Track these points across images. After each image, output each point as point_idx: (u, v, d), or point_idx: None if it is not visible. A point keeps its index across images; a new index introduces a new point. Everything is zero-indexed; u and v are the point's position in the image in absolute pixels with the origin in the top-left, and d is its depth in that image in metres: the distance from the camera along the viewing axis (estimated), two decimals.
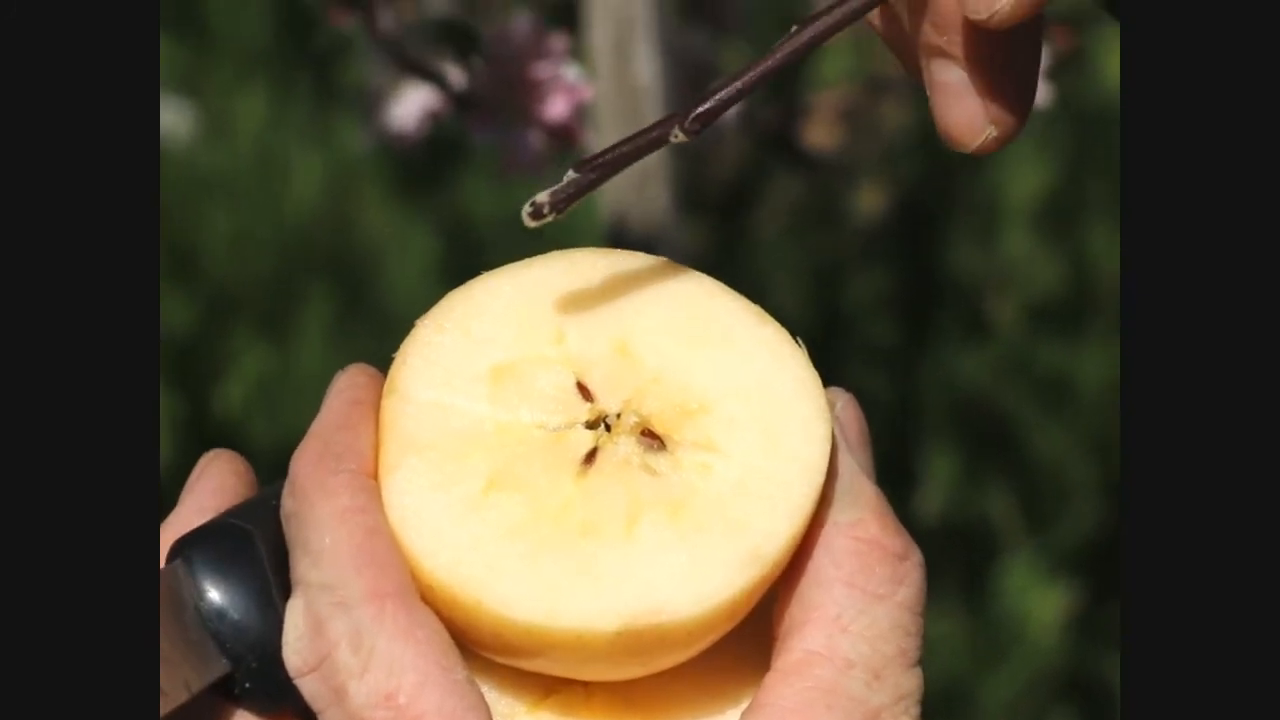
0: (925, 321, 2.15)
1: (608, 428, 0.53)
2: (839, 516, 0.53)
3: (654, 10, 1.22)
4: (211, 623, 0.53)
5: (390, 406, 0.53)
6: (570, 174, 0.52)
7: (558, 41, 1.04)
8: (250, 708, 0.53)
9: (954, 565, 1.99)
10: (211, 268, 2.20)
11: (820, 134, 1.80)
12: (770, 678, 0.52)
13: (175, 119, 2.42)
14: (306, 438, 0.53)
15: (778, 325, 0.54)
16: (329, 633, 0.50)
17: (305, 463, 0.52)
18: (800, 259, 2.21)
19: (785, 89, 1.93)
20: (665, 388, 0.53)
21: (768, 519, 0.52)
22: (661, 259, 0.55)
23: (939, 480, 2.04)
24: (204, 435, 2.00)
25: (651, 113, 1.23)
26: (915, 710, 0.52)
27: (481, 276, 0.55)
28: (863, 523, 0.53)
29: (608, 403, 0.53)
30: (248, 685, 0.53)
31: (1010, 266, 2.17)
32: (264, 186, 2.28)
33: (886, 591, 0.52)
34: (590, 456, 0.52)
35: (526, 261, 0.55)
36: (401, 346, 0.54)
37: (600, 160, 0.52)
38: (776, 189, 2.21)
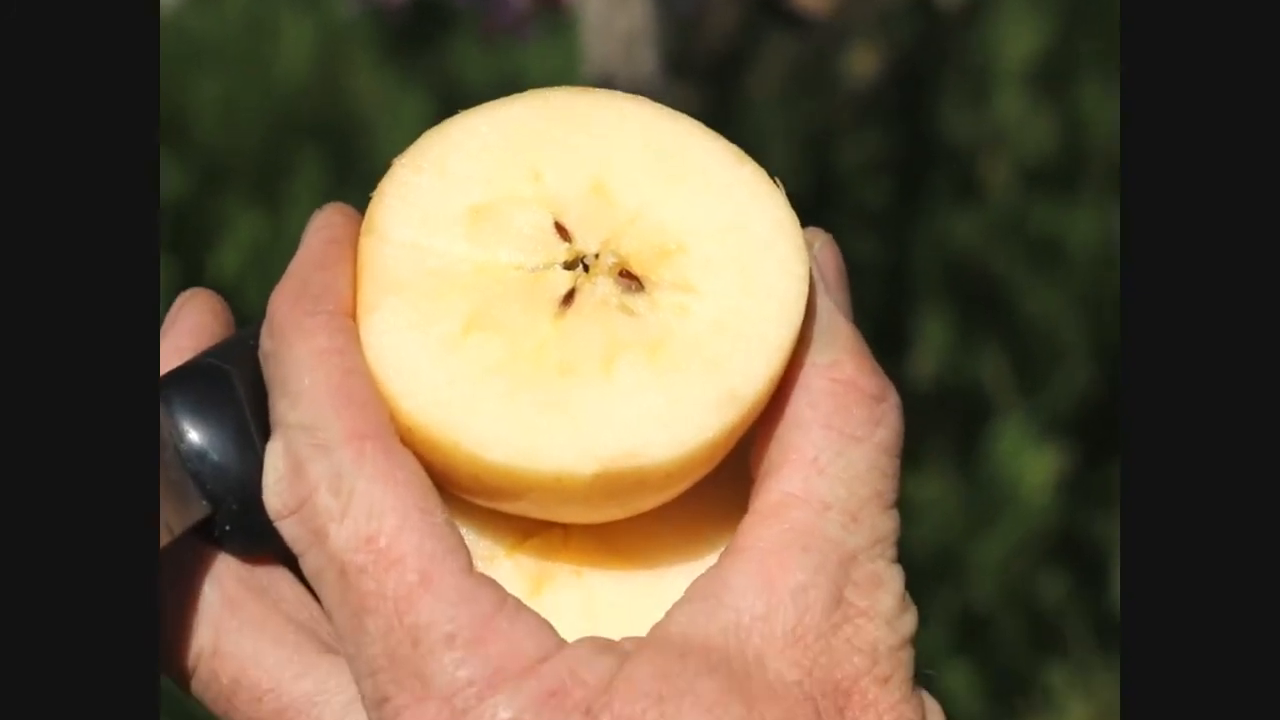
0: (918, 184, 2.14)
1: (585, 268, 0.53)
2: (816, 357, 0.53)
3: None
4: (191, 463, 0.52)
5: (368, 246, 0.53)
6: None
7: None
8: (231, 550, 0.53)
9: (946, 428, 1.99)
10: (203, 134, 2.20)
11: None
12: (747, 520, 0.52)
13: None
14: (284, 276, 0.53)
15: (756, 165, 0.54)
16: (309, 475, 0.50)
17: (283, 302, 0.52)
18: (792, 122, 2.20)
19: None
20: (643, 228, 0.53)
21: (745, 359, 0.52)
22: (640, 98, 0.55)
23: (931, 343, 2.05)
24: None
25: None
26: (891, 552, 0.52)
27: (458, 115, 0.54)
28: (839, 364, 0.52)
29: (585, 243, 0.53)
30: (228, 528, 0.53)
31: (1003, 128, 2.16)
32: (253, 53, 2.27)
33: (863, 433, 0.52)
34: (568, 297, 0.52)
35: (503, 100, 0.54)
36: (379, 186, 0.54)
37: None
38: (769, 52, 2.21)
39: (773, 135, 2.18)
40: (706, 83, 2.21)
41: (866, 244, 2.11)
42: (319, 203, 0.55)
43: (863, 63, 2.17)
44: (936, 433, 1.99)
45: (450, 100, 2.14)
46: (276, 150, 2.15)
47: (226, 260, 2.05)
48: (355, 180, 1.98)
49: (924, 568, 1.89)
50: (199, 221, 2.11)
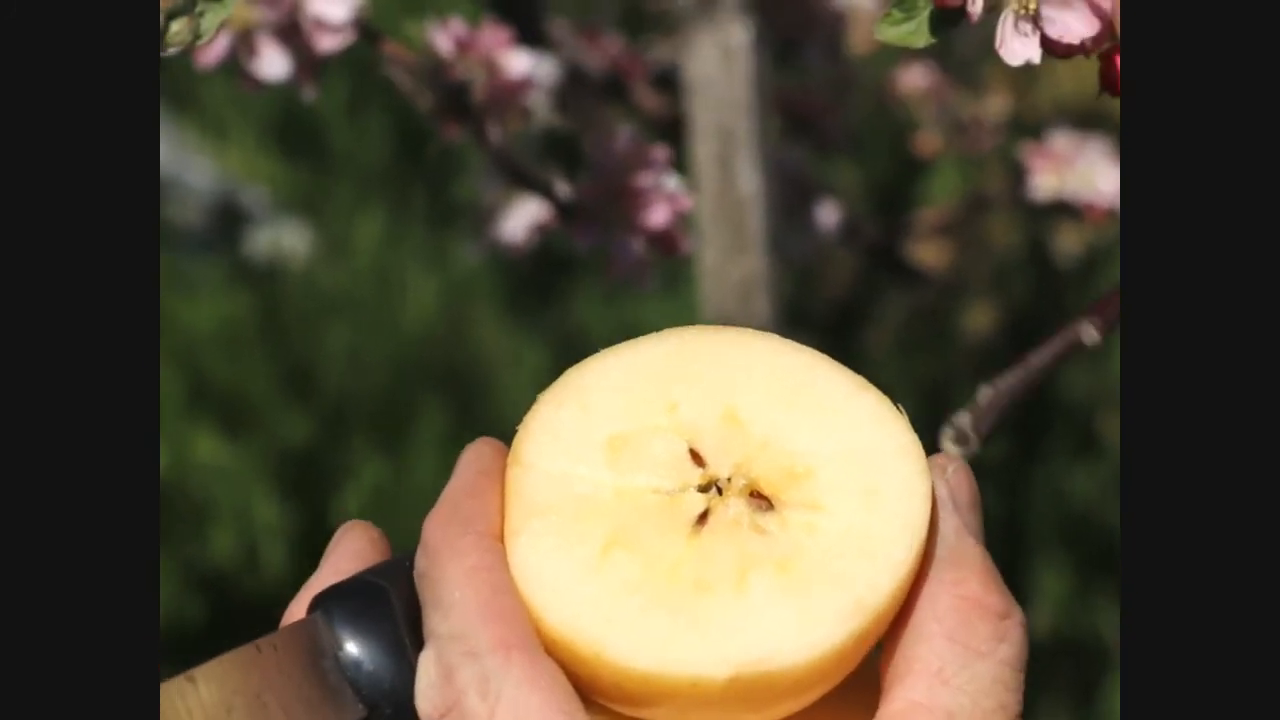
0: (1036, 438, 2.15)
1: (719, 491, 0.55)
2: (942, 574, 0.54)
3: (755, 125, 1.26)
4: (349, 671, 0.55)
5: (515, 475, 0.56)
6: (983, 391, 0.57)
7: (659, 152, 1.07)
8: None
9: (1063, 682, 1.99)
10: (329, 383, 2.25)
11: (929, 251, 1.83)
12: None
13: (295, 239, 2.47)
14: (438, 503, 0.56)
15: (879, 393, 0.57)
16: (458, 680, 0.53)
17: (436, 525, 0.55)
18: (910, 376, 2.22)
19: (892, 206, 1.96)
20: (772, 453, 0.56)
21: (870, 573, 0.54)
22: (768, 334, 0.58)
23: (1048, 596, 2.04)
24: (320, 548, 2.04)
25: (753, 224, 1.26)
26: None
27: (597, 354, 0.58)
28: (965, 581, 0.54)
29: (719, 467, 0.56)
30: None
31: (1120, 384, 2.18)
32: (381, 303, 2.32)
33: (988, 649, 0.54)
34: (703, 518, 0.55)
35: (638, 340, 0.58)
36: (524, 420, 0.57)
37: (1012, 377, 0.56)
38: (886, 305, 2.24)
39: (890, 388, 2.21)
40: (823, 334, 2.24)
41: (984, 496, 2.12)
42: (441, 449, 0.58)
43: (979, 318, 2.20)
44: (1053, 686, 1.98)
45: (570, 349, 2.19)
46: (400, 398, 2.20)
47: (349, 505, 2.09)
48: (477, 426, 2.01)
49: None
50: (323, 467, 2.16)
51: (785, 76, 1.45)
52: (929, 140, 1.59)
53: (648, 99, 1.39)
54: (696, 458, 0.56)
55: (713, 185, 1.26)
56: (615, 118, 1.42)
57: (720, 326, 0.58)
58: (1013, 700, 0.54)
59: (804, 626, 0.53)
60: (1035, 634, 2.03)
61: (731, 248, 1.26)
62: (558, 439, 0.56)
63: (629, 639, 0.53)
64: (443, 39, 1.08)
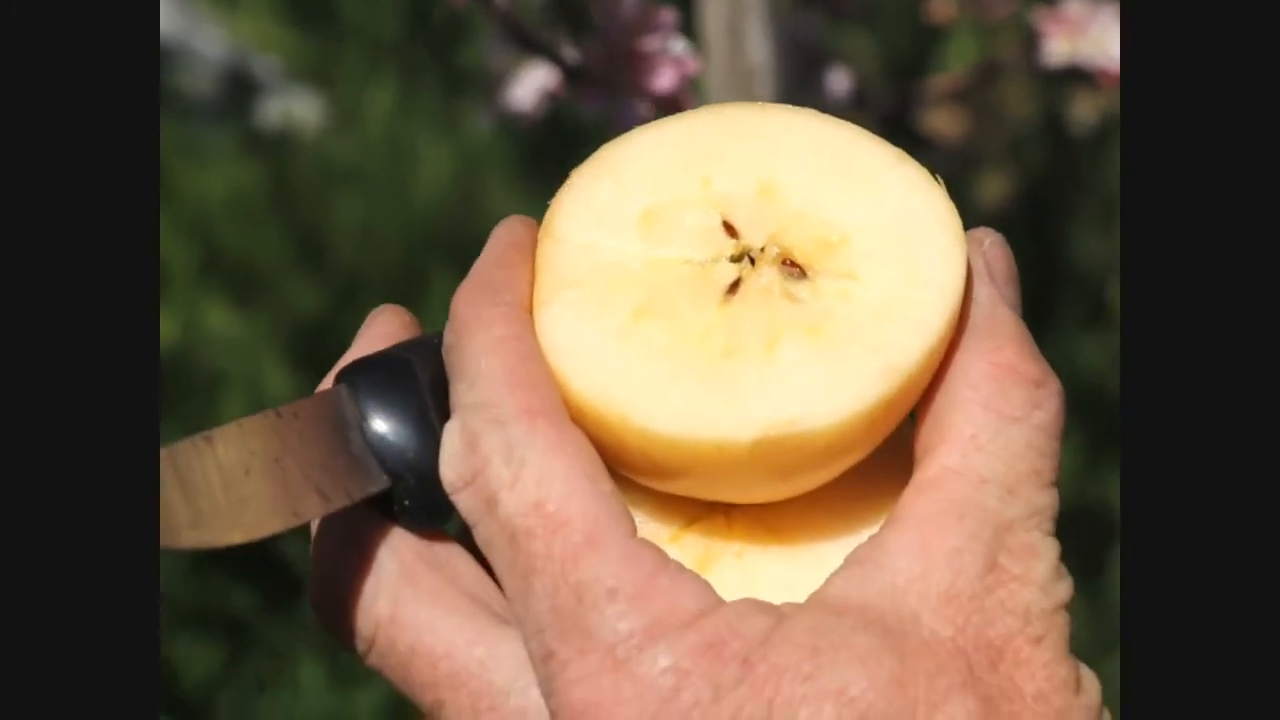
0: (1047, 308, 2.15)
1: (752, 261, 0.55)
2: (978, 342, 0.54)
3: None
4: (373, 442, 0.56)
5: (545, 248, 0.56)
6: None
7: (666, 15, 1.07)
8: (409, 525, 0.56)
9: (1070, 553, 2.00)
10: (340, 253, 2.25)
11: (943, 120, 1.82)
12: (906, 493, 0.54)
13: (306, 109, 2.47)
14: (466, 278, 0.56)
15: (917, 164, 0.56)
16: (483, 447, 0.53)
17: (464, 297, 0.55)
18: None
19: (906, 74, 1.95)
20: (807, 223, 0.55)
21: (903, 337, 0.54)
22: (804, 109, 0.58)
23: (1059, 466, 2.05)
24: None
25: (763, 93, 1.26)
26: (1048, 526, 0.54)
27: (633, 130, 0.58)
28: (1000, 349, 0.54)
29: (752, 238, 0.56)
30: (406, 503, 0.56)
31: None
32: (392, 173, 2.32)
33: (1022, 414, 0.53)
34: (734, 286, 0.55)
35: (675, 116, 0.58)
36: (557, 195, 0.57)
37: None
38: None
39: None
40: None
41: None
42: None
43: (993, 187, 2.19)
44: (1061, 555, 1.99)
45: None
46: (412, 267, 2.20)
47: None
48: None
49: None
50: (334, 337, 2.16)
51: None
52: (942, 8, 1.58)
53: None
54: (730, 230, 0.56)
55: (722, 51, 1.25)
56: None
57: (761, 103, 0.58)
58: (1047, 466, 0.54)
59: (833, 388, 0.53)
60: None
61: None
62: (590, 212, 0.56)
63: (655, 404, 0.53)
64: None
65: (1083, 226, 2.22)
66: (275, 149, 2.42)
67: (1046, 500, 0.54)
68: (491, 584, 0.55)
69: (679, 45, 1.06)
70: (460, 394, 0.54)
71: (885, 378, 0.53)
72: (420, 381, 0.56)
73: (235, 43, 2.53)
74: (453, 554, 0.56)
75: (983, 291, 0.55)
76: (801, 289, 0.55)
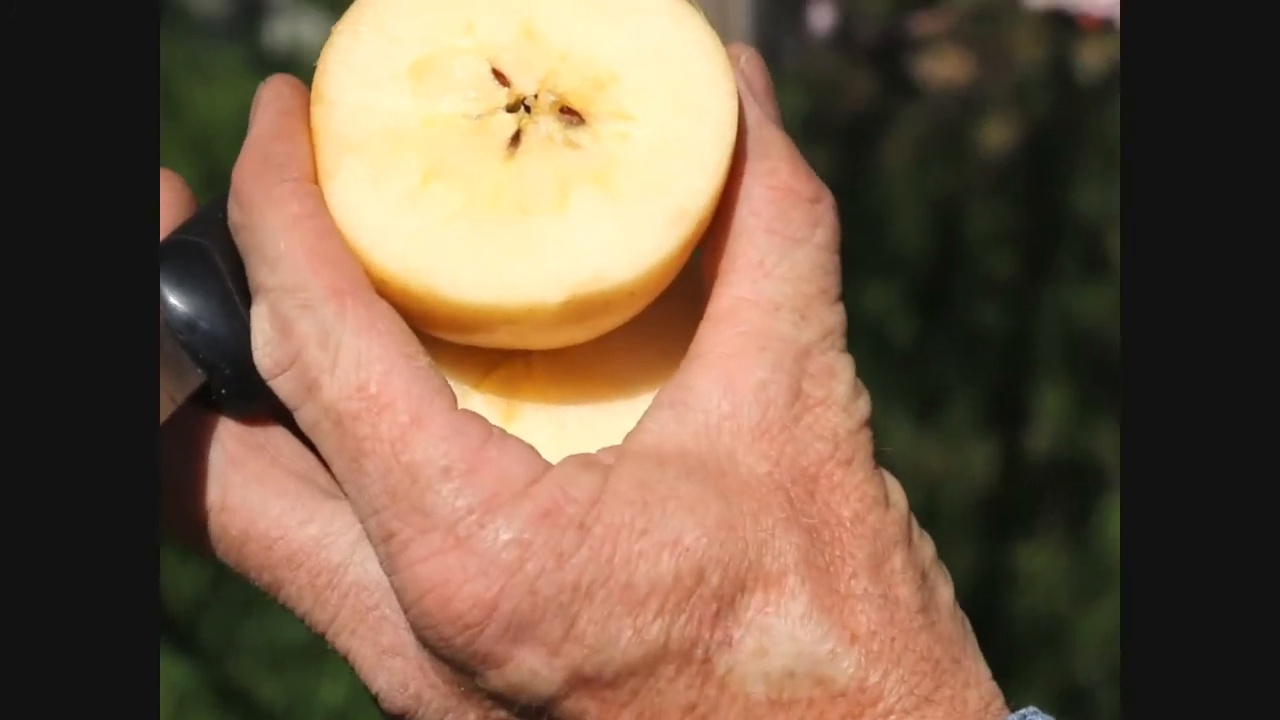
0: (1046, 257, 2.16)
1: (527, 109, 0.55)
2: (754, 166, 0.55)
3: None
4: (182, 334, 0.55)
5: (319, 113, 0.55)
6: None
7: None
8: (229, 413, 0.56)
9: (1059, 500, 2.01)
10: None
11: (944, 64, 1.82)
12: (703, 327, 0.54)
13: (314, 31, 2.47)
14: (244, 150, 0.55)
15: (699, 16, 0.56)
16: (296, 333, 0.53)
17: (247, 174, 0.54)
18: (923, 190, 2.23)
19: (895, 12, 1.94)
20: (575, 64, 0.56)
21: (688, 177, 0.54)
22: None
23: (1050, 416, 2.06)
24: None
25: (740, 20, 1.27)
26: (841, 343, 0.55)
27: None
28: (775, 170, 0.55)
29: (523, 85, 0.55)
30: (224, 391, 0.55)
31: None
32: None
33: (804, 235, 0.54)
34: (515, 139, 0.55)
35: None
36: (321, 54, 0.56)
37: None
38: (904, 119, 2.23)
39: (903, 201, 2.21)
40: (840, 146, 2.25)
41: (991, 314, 2.13)
42: None
43: (996, 134, 2.19)
44: (1049, 505, 2.01)
45: None
46: None
47: None
48: None
49: (1029, 637, 1.90)
50: None
51: None
52: None
53: None
54: (500, 77, 0.56)
55: None
56: None
57: None
58: (832, 284, 0.55)
59: (631, 240, 0.54)
60: (1034, 453, 2.05)
61: None
62: (358, 70, 0.55)
63: (460, 271, 0.53)
64: None
65: (1086, 177, 2.23)
66: (282, 70, 2.43)
67: (836, 318, 0.55)
68: (315, 460, 0.56)
69: None
70: (263, 277, 0.54)
71: (679, 222, 0.54)
72: (219, 265, 0.55)
73: None
74: (275, 435, 0.56)
75: (750, 113, 0.56)
76: (582, 135, 0.55)
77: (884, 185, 2.23)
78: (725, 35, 1.22)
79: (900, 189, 2.23)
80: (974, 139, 2.19)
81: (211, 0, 2.48)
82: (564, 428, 0.56)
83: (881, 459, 0.55)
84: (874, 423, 0.55)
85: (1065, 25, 1.38)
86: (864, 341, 2.07)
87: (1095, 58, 2.08)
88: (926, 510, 1.98)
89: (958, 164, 2.25)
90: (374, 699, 0.54)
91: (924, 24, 1.55)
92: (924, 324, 2.14)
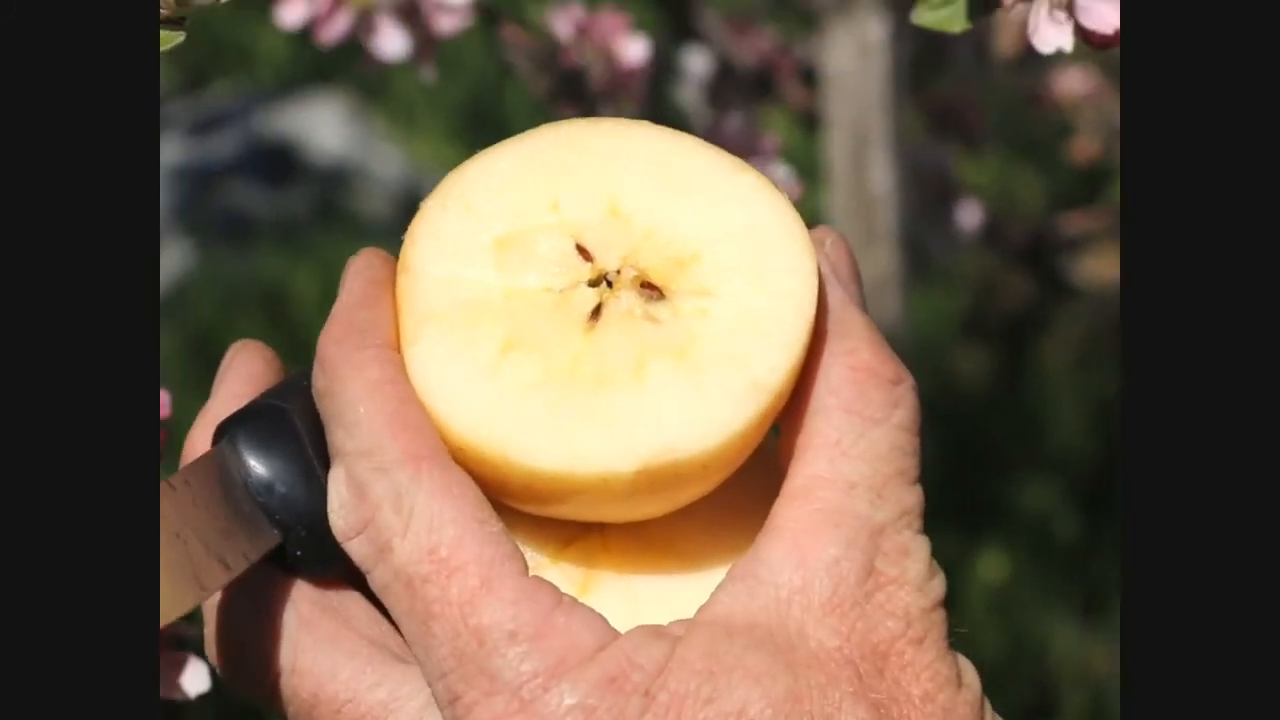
0: None
1: (609, 284, 0.56)
2: (833, 346, 0.56)
3: (891, 123, 1.27)
4: (260, 496, 0.57)
5: (405, 284, 0.57)
6: None
7: (769, 140, 1.09)
8: (303, 575, 0.57)
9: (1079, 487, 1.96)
10: None
11: (1103, 264, 1.82)
12: (779, 503, 0.55)
13: None
14: (330, 319, 0.57)
15: (757, 173, 0.57)
16: (371, 496, 0.54)
17: (332, 341, 0.56)
18: (1085, 390, 2.22)
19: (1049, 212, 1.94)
20: (658, 241, 0.57)
21: (765, 352, 0.55)
22: (643, 122, 0.59)
23: None
24: None
25: (886, 222, 1.28)
26: (917, 524, 0.55)
27: (478, 154, 0.59)
28: (856, 351, 0.56)
29: (606, 261, 0.57)
30: (299, 553, 0.57)
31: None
32: None
33: (883, 415, 0.55)
34: (596, 312, 0.56)
35: (519, 136, 0.59)
36: (410, 227, 0.58)
37: None
38: (1063, 319, 2.23)
39: (1063, 401, 2.20)
40: (998, 346, 2.25)
41: None
42: None
43: None
44: None
45: None
46: None
47: None
48: None
49: None
50: None
51: (933, 78, 1.46)
52: (1086, 146, 1.58)
53: (795, 94, 1.41)
54: (584, 253, 0.57)
55: (846, 181, 1.28)
56: (765, 111, 1.44)
57: (597, 118, 0.59)
58: (910, 464, 0.55)
59: (705, 412, 0.54)
60: None
61: (863, 244, 1.27)
62: (445, 243, 0.57)
63: (535, 440, 0.54)
64: (562, 23, 1.11)
65: None
66: None
67: (913, 499, 0.55)
68: (388, 624, 0.57)
69: (780, 171, 1.08)
70: (341, 441, 0.55)
71: (754, 396, 0.54)
72: (299, 430, 0.57)
73: (411, 162, 2.59)
74: (348, 599, 0.57)
75: (832, 294, 0.57)
76: (661, 310, 0.56)
77: (1044, 385, 2.22)
78: (871, 232, 1.24)
79: (1061, 389, 2.22)
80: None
81: (376, 200, 2.53)
82: (637, 600, 0.57)
83: (956, 641, 0.55)
84: (948, 603, 0.55)
85: None
86: (1025, 541, 2.06)
87: None
88: (1092, 713, 1.95)
89: (1118, 363, 2.24)
90: None
91: (1078, 223, 1.55)
92: (1087, 523, 2.12)
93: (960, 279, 2.07)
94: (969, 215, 1.41)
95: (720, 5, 1.60)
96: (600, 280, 0.56)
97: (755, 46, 1.45)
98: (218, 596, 0.58)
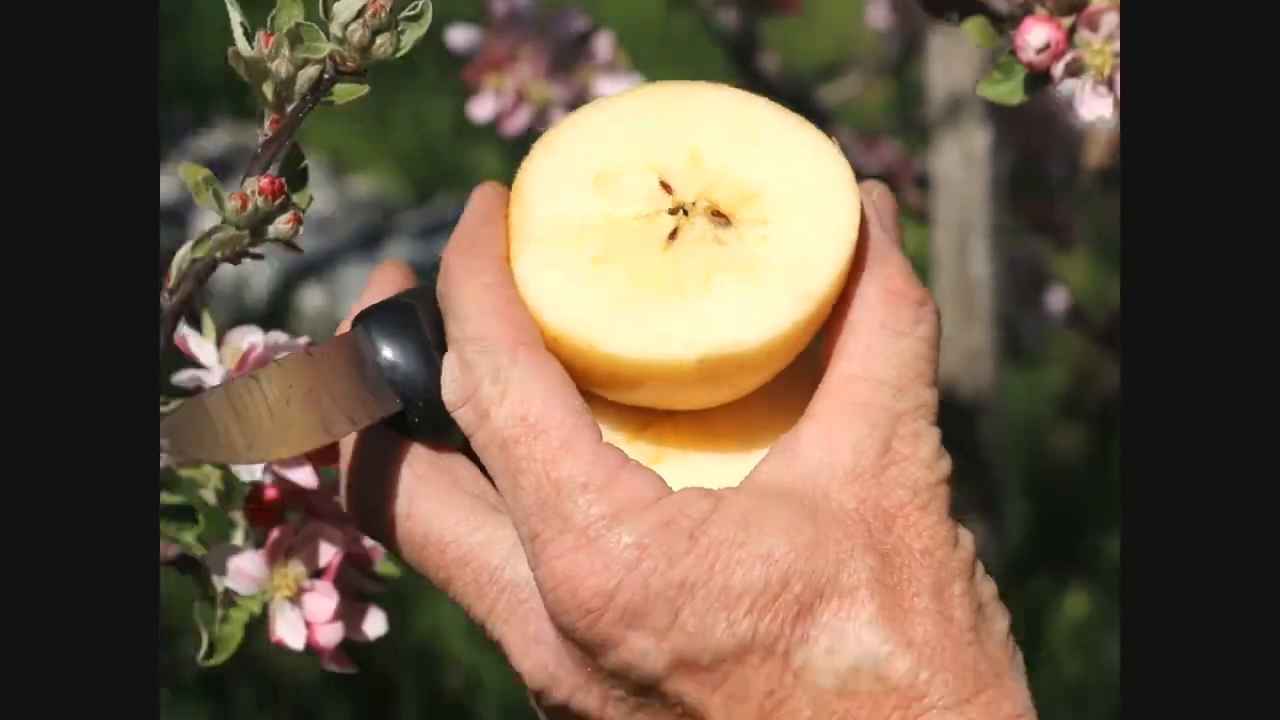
0: None
1: (685, 213, 0.65)
2: (872, 270, 0.64)
3: (990, 220, 1.41)
4: (387, 373, 0.65)
5: (516, 209, 0.65)
6: None
7: None
8: (420, 440, 0.66)
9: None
10: None
11: None
12: (817, 395, 0.63)
13: None
14: (453, 235, 0.66)
15: (815, 129, 0.66)
16: (475, 371, 0.63)
17: (453, 251, 0.65)
18: None
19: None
20: (729, 181, 0.65)
21: (814, 269, 0.63)
22: (722, 85, 0.68)
23: None
24: None
25: (984, 303, 1.40)
26: (931, 416, 0.63)
27: (581, 108, 0.68)
28: (890, 276, 0.64)
29: (684, 194, 0.65)
30: (416, 420, 0.66)
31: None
32: None
33: (909, 330, 0.63)
34: (673, 235, 0.64)
35: (617, 93, 0.68)
36: (522, 164, 0.66)
37: None
38: None
39: None
40: (1094, 427, 2.31)
41: None
42: None
43: None
44: None
45: None
46: None
47: None
48: None
49: None
50: None
51: (1028, 187, 1.56)
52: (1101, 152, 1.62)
53: (912, 196, 1.52)
54: (666, 188, 0.65)
55: (949, 268, 1.42)
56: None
57: (685, 82, 0.68)
58: (929, 369, 0.64)
59: (762, 313, 0.63)
60: None
61: (962, 321, 1.41)
62: (550, 177, 0.66)
63: (616, 333, 0.63)
64: None
65: None
66: None
67: (929, 396, 0.63)
68: (487, 483, 0.65)
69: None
70: (454, 330, 0.64)
71: (802, 304, 0.63)
72: (422, 321, 0.66)
73: None
74: (456, 462, 0.66)
75: (874, 232, 0.65)
76: (727, 234, 0.64)
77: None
78: (969, 311, 1.36)
79: None
80: None
81: None
82: (696, 471, 0.65)
83: (1040, 661, 0.65)
84: (953, 481, 0.64)
85: None
86: (1105, 584, 2.09)
87: None
88: None
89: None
90: (520, 678, 0.64)
91: None
92: None
93: (1054, 362, 2.14)
94: (1057, 300, 1.51)
95: (854, 123, 1.71)
96: (679, 210, 0.65)
97: (881, 157, 1.55)
98: (352, 459, 0.67)
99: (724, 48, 1.54)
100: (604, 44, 1.24)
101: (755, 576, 0.60)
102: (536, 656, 0.63)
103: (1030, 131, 1.50)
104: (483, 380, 0.63)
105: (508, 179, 0.66)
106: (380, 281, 0.69)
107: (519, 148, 0.71)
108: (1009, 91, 0.74)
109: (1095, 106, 0.72)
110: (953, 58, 1.40)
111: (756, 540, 0.60)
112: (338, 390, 0.65)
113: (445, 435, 0.65)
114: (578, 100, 1.19)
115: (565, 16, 1.22)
